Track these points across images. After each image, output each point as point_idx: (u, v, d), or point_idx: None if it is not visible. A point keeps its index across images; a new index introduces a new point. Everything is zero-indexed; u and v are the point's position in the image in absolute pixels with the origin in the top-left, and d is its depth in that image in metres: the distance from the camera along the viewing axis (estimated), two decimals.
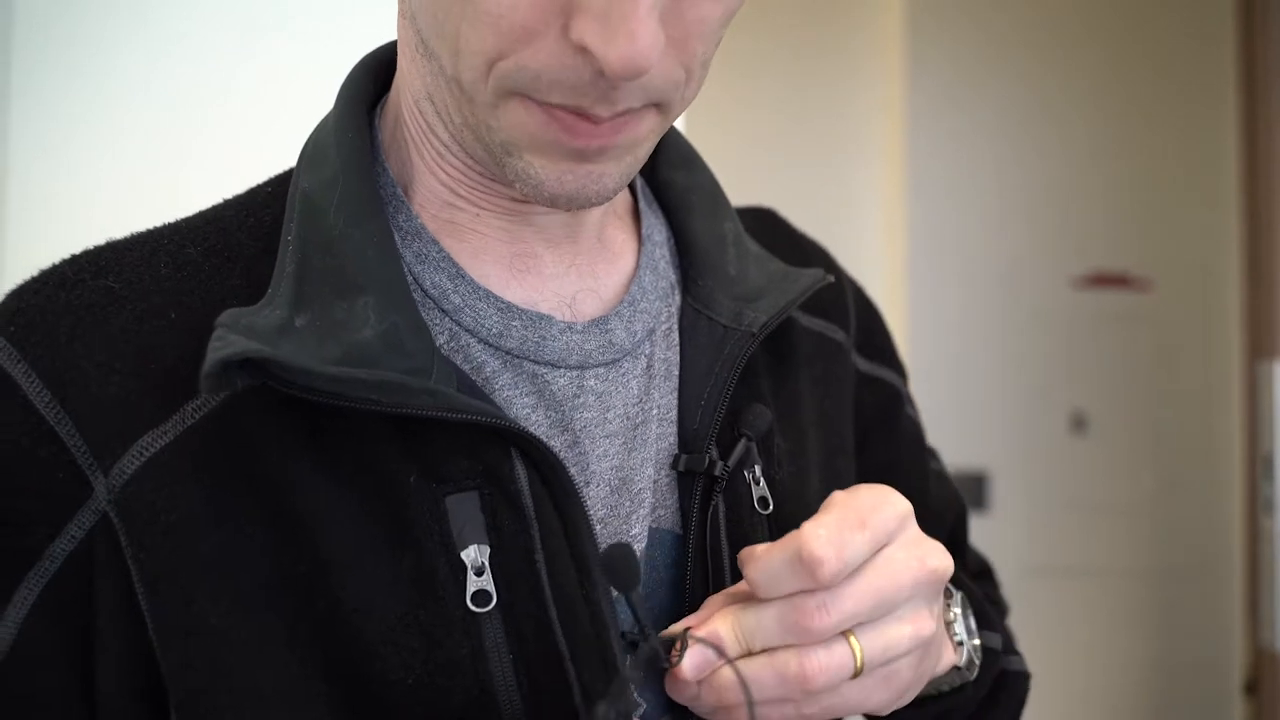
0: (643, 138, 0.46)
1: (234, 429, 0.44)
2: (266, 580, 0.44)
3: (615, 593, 0.46)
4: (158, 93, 1.01)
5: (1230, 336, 2.29)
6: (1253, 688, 1.61)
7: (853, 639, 0.44)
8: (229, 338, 0.41)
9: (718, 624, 0.44)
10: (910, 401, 0.70)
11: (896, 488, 0.63)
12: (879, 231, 2.36)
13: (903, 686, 0.47)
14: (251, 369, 0.42)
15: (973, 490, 2.26)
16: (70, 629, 0.44)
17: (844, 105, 2.35)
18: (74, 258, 0.48)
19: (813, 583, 0.42)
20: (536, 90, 0.42)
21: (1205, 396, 2.32)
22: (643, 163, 0.48)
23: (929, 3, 2.28)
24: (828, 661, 0.43)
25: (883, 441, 0.65)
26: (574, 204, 0.46)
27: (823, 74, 2.35)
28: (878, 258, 2.35)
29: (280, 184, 0.52)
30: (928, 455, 0.70)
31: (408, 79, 0.49)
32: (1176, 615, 2.25)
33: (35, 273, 0.48)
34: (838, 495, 0.45)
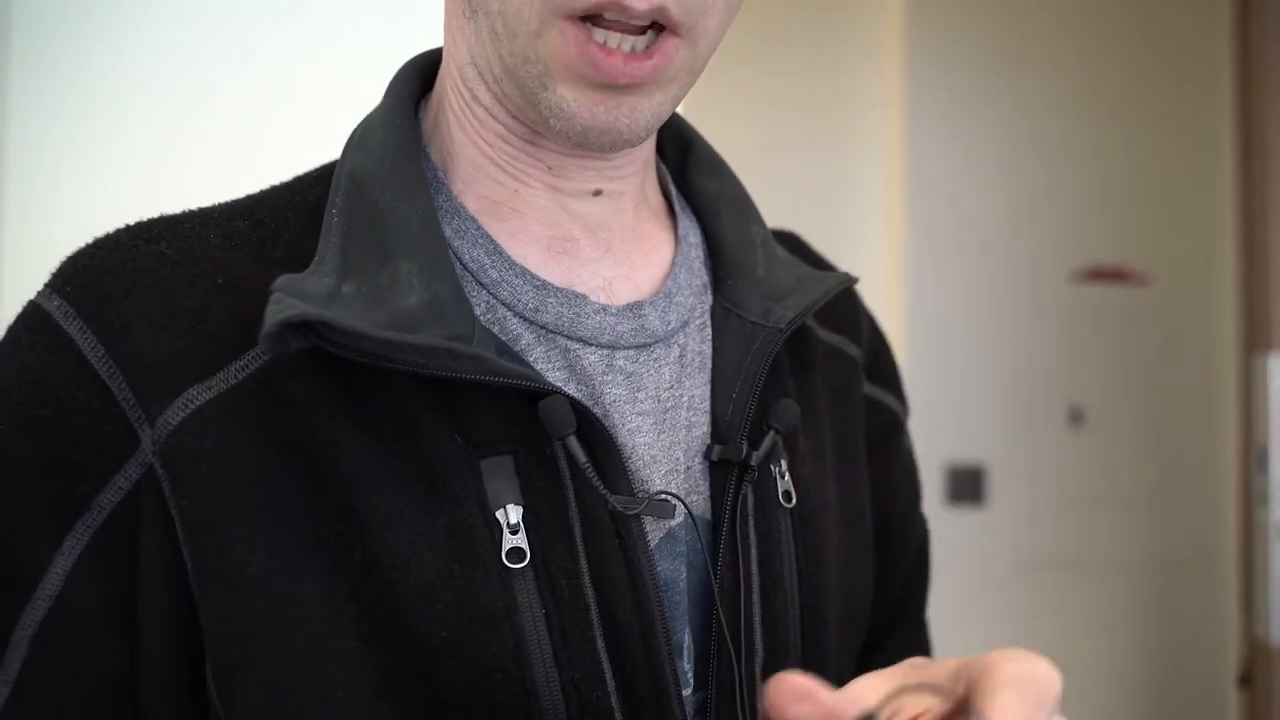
0: (673, 73, 0.48)
1: (277, 389, 0.46)
2: (304, 534, 0.45)
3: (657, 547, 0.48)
4: (159, 93, 1.01)
5: (1226, 330, 2.29)
6: (1247, 680, 1.62)
7: None
8: (287, 300, 0.43)
9: None
10: (908, 434, 0.71)
11: (892, 513, 0.67)
12: (879, 226, 2.36)
13: None
14: (306, 331, 0.43)
15: (970, 483, 2.26)
16: (115, 580, 0.46)
17: (844, 101, 2.36)
18: (128, 226, 0.50)
19: None
20: None
21: (1202, 390, 2.32)
22: (676, 104, 0.50)
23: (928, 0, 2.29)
24: None
25: (882, 465, 0.66)
26: (605, 139, 0.48)
27: (822, 71, 2.35)
28: (877, 252, 2.36)
29: (326, 169, 0.54)
30: (917, 487, 0.71)
31: (453, 53, 0.52)
32: (1172, 608, 2.25)
33: (90, 239, 0.50)
34: (1009, 673, 0.38)
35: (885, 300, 2.35)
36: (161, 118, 1.01)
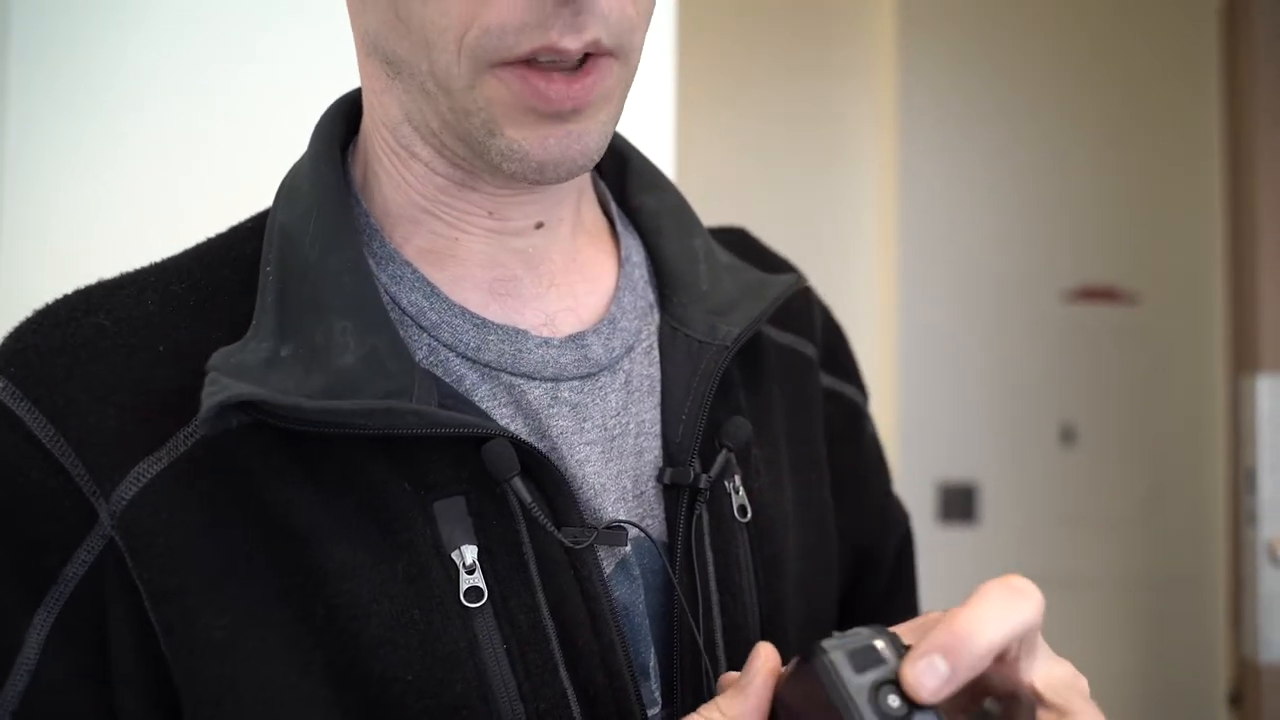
0: (611, 91, 0.48)
1: (226, 454, 0.46)
2: (265, 594, 0.46)
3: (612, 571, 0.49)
4: (159, 95, 1.01)
5: (1215, 349, 2.32)
6: (1237, 699, 1.63)
7: None
8: (221, 380, 0.44)
9: None
10: (870, 419, 0.72)
11: (861, 502, 0.69)
12: (871, 245, 2.38)
13: None
14: (245, 407, 0.44)
15: (962, 502, 2.28)
16: (89, 649, 0.46)
17: (836, 119, 2.38)
18: (66, 297, 0.51)
19: None
20: (506, 47, 0.44)
21: (1192, 408, 2.34)
22: (616, 122, 0.50)
23: (921, 18, 2.31)
24: None
25: (846, 456, 0.67)
26: (561, 169, 0.48)
27: (815, 88, 2.37)
28: (870, 271, 2.37)
29: (259, 220, 0.54)
30: (886, 472, 0.73)
31: (379, 116, 0.52)
32: (1163, 627, 2.26)
33: (30, 313, 0.50)
34: (1062, 689, 0.42)
35: (878, 319, 2.37)
36: (162, 119, 1.00)
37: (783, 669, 0.43)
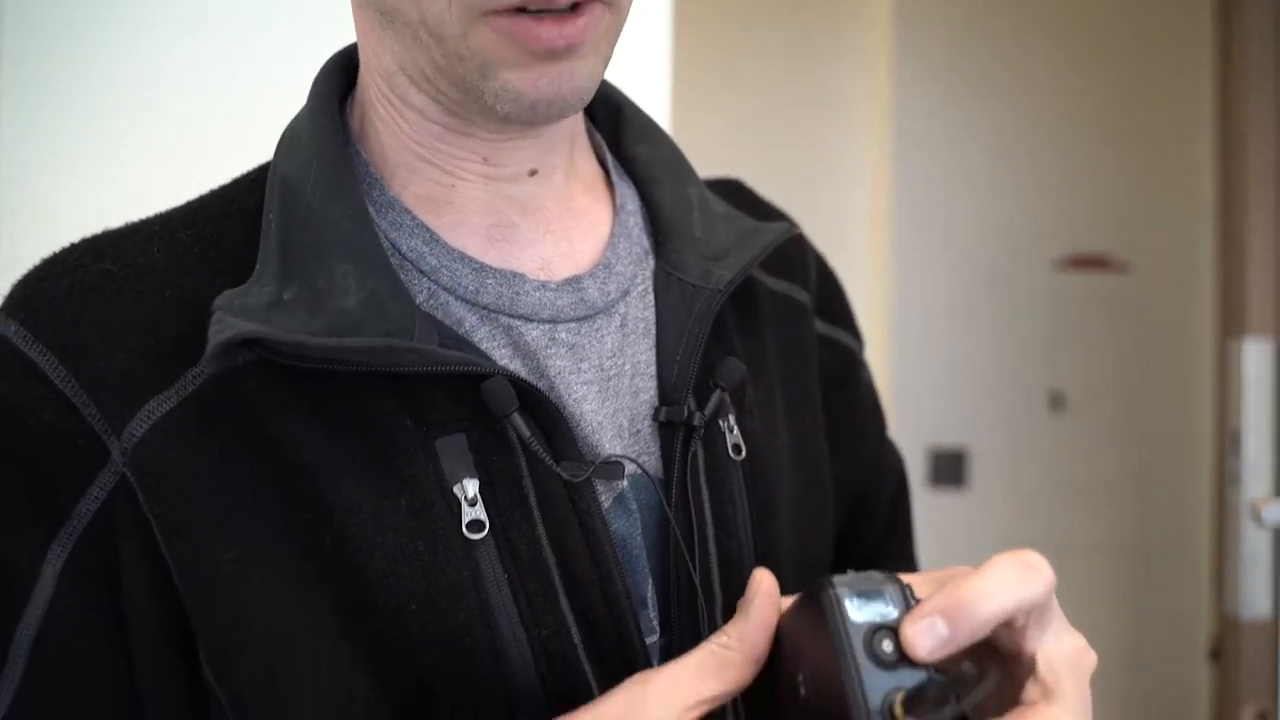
0: (601, 35, 0.49)
1: (233, 393, 0.48)
2: (274, 528, 0.47)
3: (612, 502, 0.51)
4: (158, 94, 1.01)
5: (1204, 317, 2.33)
6: (1217, 655, 1.67)
7: None
8: (227, 320, 0.45)
9: None
10: (866, 366, 0.72)
11: (856, 448, 0.69)
12: (866, 215, 2.39)
13: None
14: (250, 344, 0.46)
15: (953, 467, 2.30)
16: (102, 583, 0.48)
17: (831, 91, 2.38)
18: (73, 245, 0.52)
19: None
20: None
21: (1180, 375, 2.36)
22: (605, 66, 0.51)
23: None
24: None
25: (841, 403, 0.68)
26: (554, 109, 0.49)
27: (811, 60, 2.37)
28: (864, 240, 2.39)
29: (260, 172, 0.55)
30: (882, 418, 0.74)
31: (374, 65, 0.53)
32: (1148, 589, 2.29)
33: (38, 261, 0.52)
34: (1059, 665, 0.42)
35: (871, 287, 2.38)
36: (162, 120, 1.00)
37: (788, 599, 0.44)
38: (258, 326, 0.45)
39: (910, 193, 2.31)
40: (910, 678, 0.38)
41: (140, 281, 0.50)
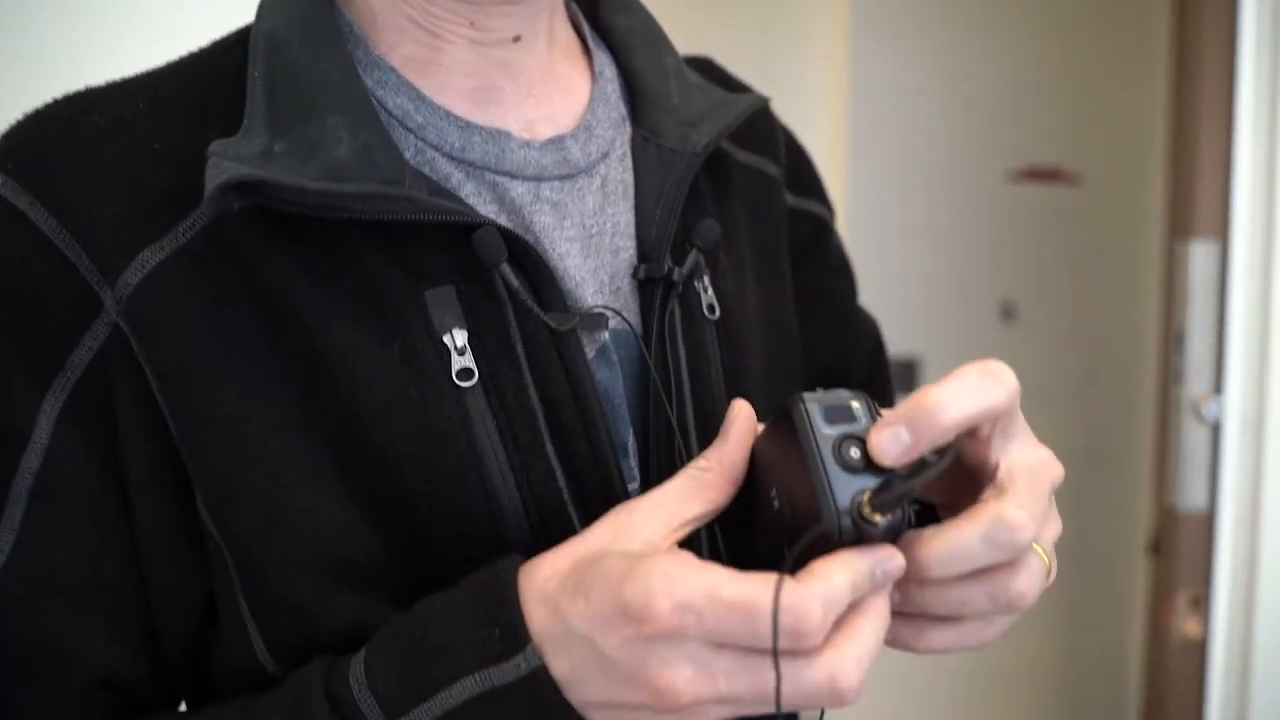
0: None
1: (226, 244, 0.48)
2: (271, 373, 0.48)
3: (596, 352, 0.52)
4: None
5: (1152, 223, 2.37)
6: (1156, 548, 1.72)
7: (1037, 546, 0.44)
8: (223, 164, 0.45)
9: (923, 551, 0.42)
10: (836, 234, 0.75)
11: (829, 316, 0.72)
12: (820, 127, 2.37)
13: (1054, 559, 0.48)
14: (246, 190, 0.46)
15: (904, 376, 2.32)
16: (97, 431, 0.49)
17: (786, 4, 2.34)
18: (58, 100, 0.51)
19: (1011, 553, 0.41)
20: None
21: (1127, 281, 2.41)
22: None
23: None
24: (1032, 576, 0.43)
25: (813, 271, 0.70)
26: None
27: None
28: (818, 150, 2.36)
29: (243, 33, 0.55)
30: (854, 284, 0.77)
31: None
32: (1092, 492, 2.35)
33: (23, 115, 0.51)
34: (1018, 471, 0.43)
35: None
36: None
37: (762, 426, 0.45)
38: (255, 170, 0.45)
39: (864, 105, 2.30)
40: (876, 481, 0.40)
41: (128, 134, 0.50)
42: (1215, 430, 1.56)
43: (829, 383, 0.68)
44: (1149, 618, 2.02)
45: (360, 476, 0.48)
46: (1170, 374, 1.66)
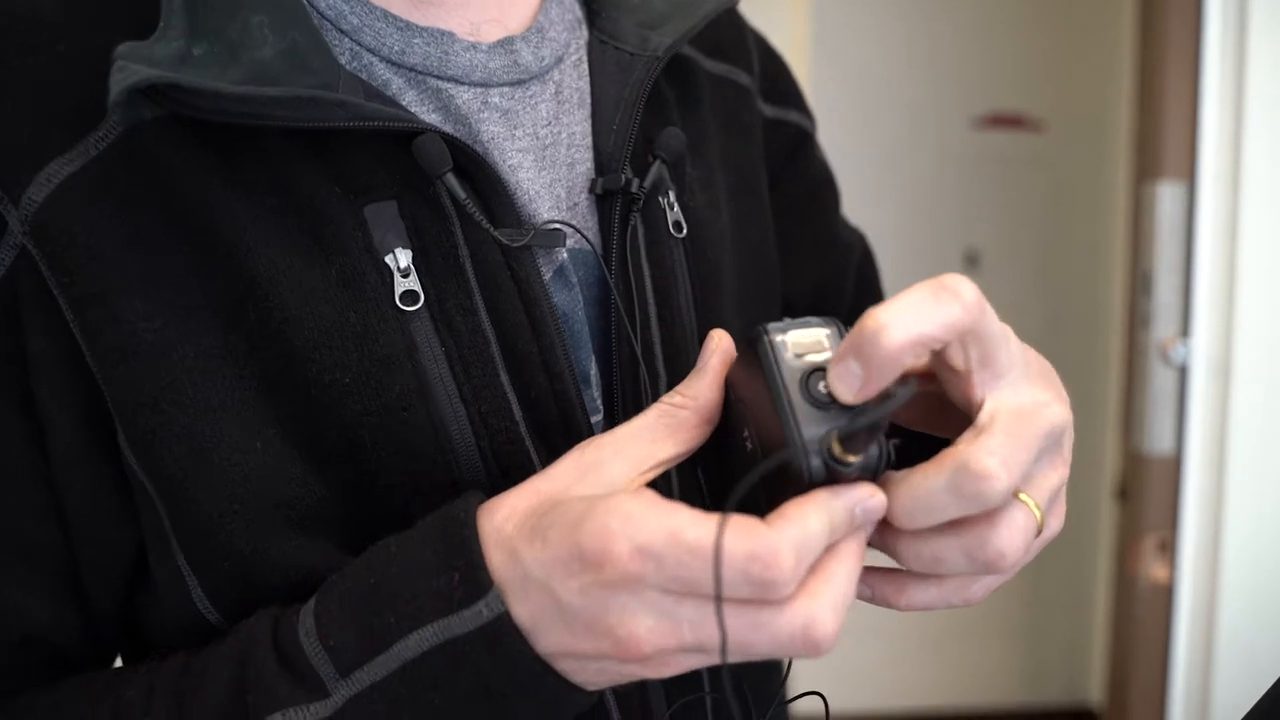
0: None
1: (143, 157, 0.44)
2: (194, 297, 0.44)
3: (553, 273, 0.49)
4: None
5: (1118, 166, 2.36)
6: (1124, 493, 1.71)
7: (1023, 496, 0.39)
8: (131, 67, 0.41)
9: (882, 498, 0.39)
10: (818, 145, 0.71)
11: (814, 230, 0.69)
12: None
13: (1063, 511, 0.44)
14: (158, 97, 0.42)
15: None
16: (6, 369, 0.45)
17: None
18: None
19: (980, 504, 0.37)
20: None
21: (1093, 225, 2.41)
22: None
23: None
24: (1015, 533, 0.38)
25: (793, 180, 0.67)
26: None
27: None
28: None
29: None
30: (837, 196, 0.73)
31: None
32: None
33: None
34: (1001, 413, 0.39)
35: None
36: None
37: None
38: (165, 72, 0.41)
39: (827, 51, 2.26)
40: (849, 414, 0.37)
41: (32, 34, 0.45)
42: (1182, 374, 1.55)
43: (816, 305, 0.67)
44: (1115, 563, 2.03)
45: (297, 409, 0.45)
46: (1137, 318, 1.65)
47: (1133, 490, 1.62)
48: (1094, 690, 2.50)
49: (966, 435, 0.38)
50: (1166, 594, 1.55)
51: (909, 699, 2.52)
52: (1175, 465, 1.54)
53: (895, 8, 2.31)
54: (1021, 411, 0.39)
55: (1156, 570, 1.58)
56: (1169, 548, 1.56)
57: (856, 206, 2.27)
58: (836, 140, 2.31)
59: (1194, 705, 1.54)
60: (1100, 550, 2.46)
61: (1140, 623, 1.58)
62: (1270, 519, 1.51)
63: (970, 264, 2.38)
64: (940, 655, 2.50)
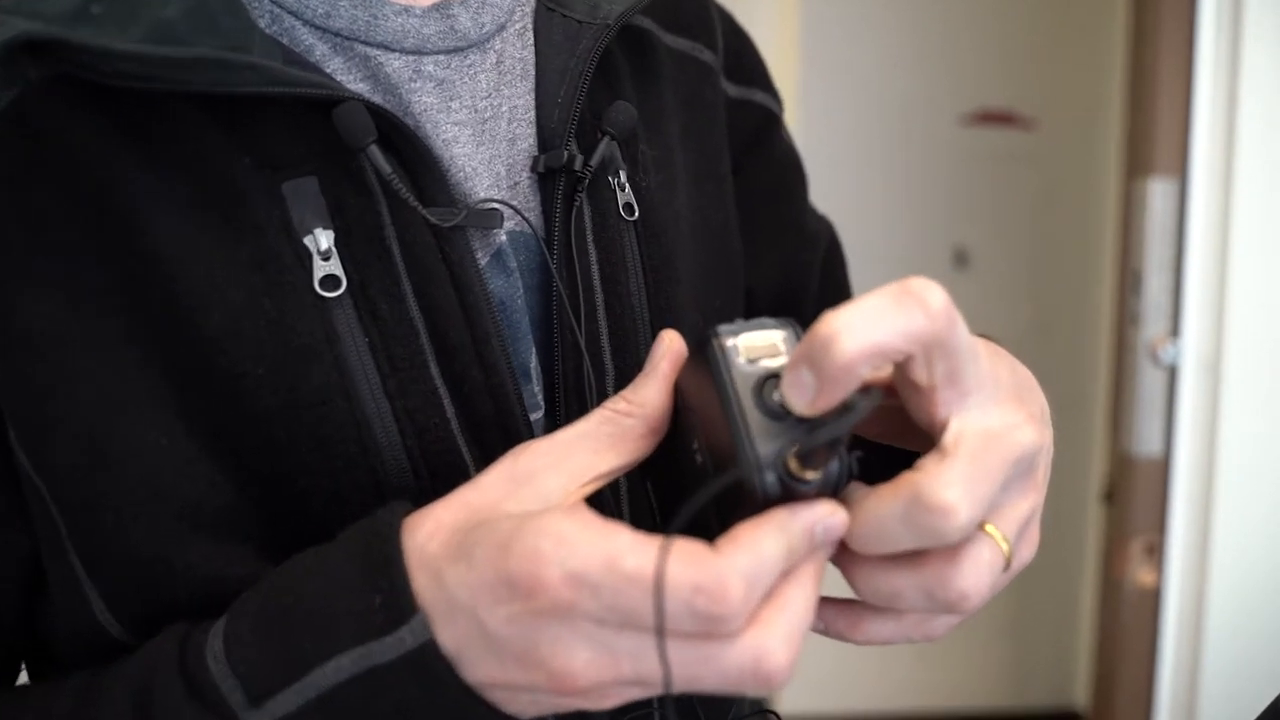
0: None
1: (36, 125, 0.41)
2: (93, 281, 0.41)
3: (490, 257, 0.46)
4: None
5: (1108, 163, 2.34)
6: (1111, 495, 1.69)
7: (990, 528, 0.36)
8: (10, 21, 0.38)
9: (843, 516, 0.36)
10: (784, 128, 0.68)
11: (774, 218, 0.65)
12: (771, 67, 2.30)
13: (1036, 539, 0.41)
14: (46, 57, 0.39)
15: None
16: None
17: None
18: None
19: (938, 539, 0.34)
20: None
21: (1083, 223, 2.38)
22: None
23: None
24: (979, 572, 0.35)
25: (759, 165, 0.64)
26: None
27: None
28: None
29: None
30: (804, 182, 0.70)
31: None
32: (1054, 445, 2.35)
33: None
34: (966, 437, 0.36)
35: None
36: None
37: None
38: (48, 27, 0.38)
39: (815, 45, 2.25)
40: (807, 426, 0.34)
41: None
42: (1172, 374, 1.53)
43: (780, 298, 0.64)
44: (1102, 567, 2.01)
45: (205, 404, 0.42)
46: (1127, 316, 1.62)
47: (1120, 492, 1.60)
48: (1080, 694, 2.47)
49: (927, 460, 0.35)
50: (1153, 598, 1.53)
51: (894, 701, 2.49)
52: (1164, 467, 1.51)
53: (884, 1, 2.29)
54: (989, 435, 0.35)
55: (1143, 574, 1.55)
56: (1156, 551, 1.53)
57: (843, 204, 2.24)
58: (823, 136, 2.32)
59: (1180, 710, 1.51)
60: (1086, 553, 2.43)
61: (1126, 627, 1.55)
62: (1260, 523, 1.48)
63: (959, 262, 2.35)
64: (925, 658, 2.48)
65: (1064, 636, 2.49)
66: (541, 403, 0.48)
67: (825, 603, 0.39)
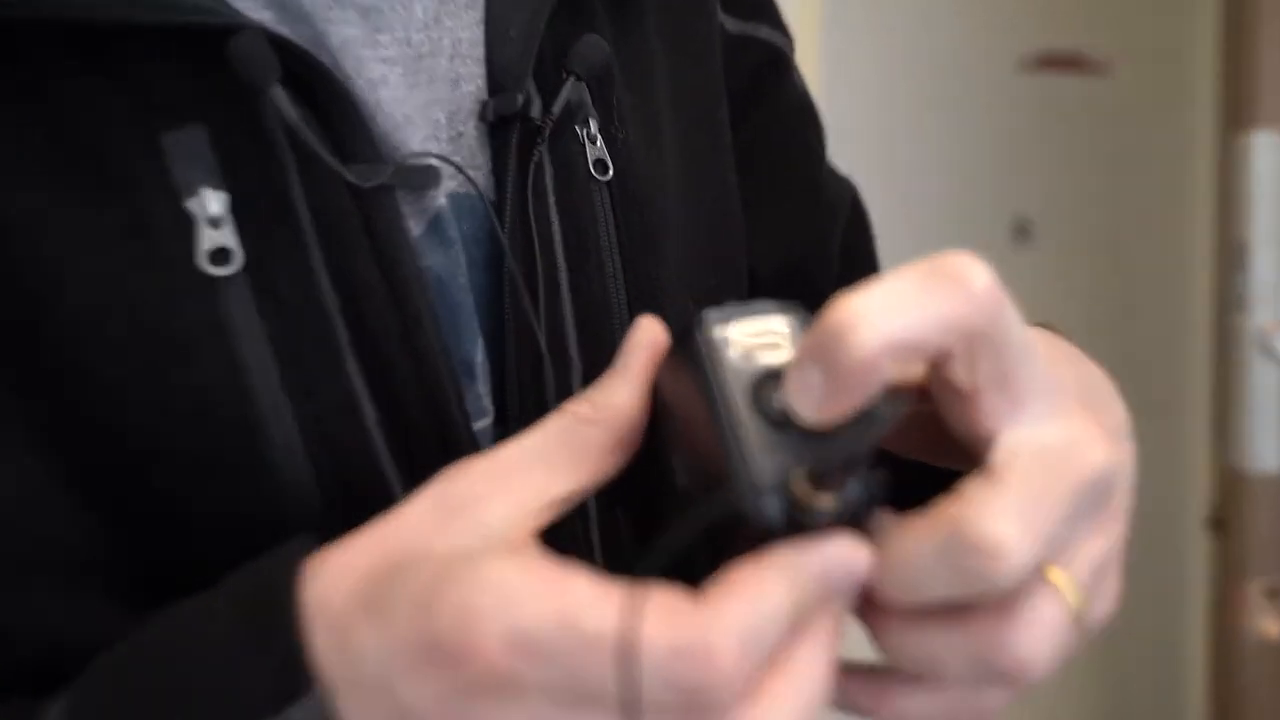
0: None
1: None
2: None
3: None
4: None
5: (1200, 114, 2.31)
6: (1220, 522, 1.64)
7: (1054, 574, 0.35)
8: None
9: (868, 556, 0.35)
10: (797, 70, 0.68)
11: (782, 174, 0.66)
12: (789, 4, 2.29)
13: (1117, 588, 0.41)
14: None
15: None
16: None
17: None
18: None
19: (985, 585, 0.33)
20: None
21: (1170, 187, 2.36)
22: None
23: None
24: (1043, 630, 0.35)
25: (764, 116, 0.65)
26: None
27: None
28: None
29: None
30: (821, 136, 0.70)
31: None
32: (1141, 447, 2.32)
33: None
34: (1021, 457, 0.35)
35: None
36: None
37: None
38: None
39: None
40: (818, 440, 0.33)
41: None
42: None
43: (790, 279, 0.64)
44: (1213, 611, 1.95)
45: (58, 412, 0.41)
46: (1229, 299, 1.59)
47: (1231, 519, 1.56)
48: None
49: (970, 484, 0.34)
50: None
51: None
52: None
53: None
54: (1049, 454, 0.35)
55: (1266, 623, 1.51)
56: None
57: (882, 170, 2.21)
58: (857, 92, 2.29)
59: None
60: (1193, 595, 2.40)
61: (1248, 685, 1.51)
62: None
63: (1019, 235, 2.33)
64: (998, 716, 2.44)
65: (1169, 697, 2.47)
66: (489, 407, 0.48)
67: (844, 669, 0.38)
